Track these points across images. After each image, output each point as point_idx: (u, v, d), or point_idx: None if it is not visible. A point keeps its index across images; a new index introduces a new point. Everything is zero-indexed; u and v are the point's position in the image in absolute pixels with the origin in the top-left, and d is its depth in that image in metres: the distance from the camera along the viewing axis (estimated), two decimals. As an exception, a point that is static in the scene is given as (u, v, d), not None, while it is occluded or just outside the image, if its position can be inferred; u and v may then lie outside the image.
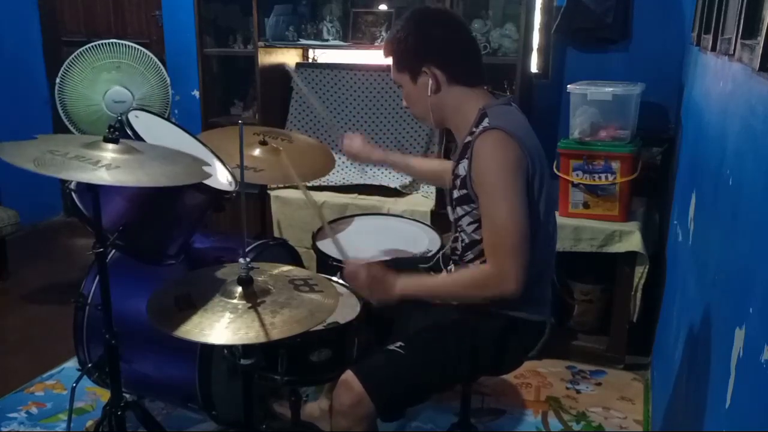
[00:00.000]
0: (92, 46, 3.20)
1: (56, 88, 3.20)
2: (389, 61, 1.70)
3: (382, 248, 2.15)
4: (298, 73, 3.48)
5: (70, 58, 3.20)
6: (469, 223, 1.67)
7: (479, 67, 1.70)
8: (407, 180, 3.15)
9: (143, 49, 3.30)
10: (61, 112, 3.25)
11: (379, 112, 3.31)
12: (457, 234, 1.75)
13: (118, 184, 1.40)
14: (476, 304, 1.66)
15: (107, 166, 1.42)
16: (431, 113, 1.69)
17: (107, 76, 3.21)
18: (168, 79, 3.36)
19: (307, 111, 3.45)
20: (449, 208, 1.78)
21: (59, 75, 3.20)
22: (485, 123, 1.59)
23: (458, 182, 1.67)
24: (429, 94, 1.65)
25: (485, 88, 1.70)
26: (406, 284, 1.64)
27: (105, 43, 3.21)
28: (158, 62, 3.32)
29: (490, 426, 2.34)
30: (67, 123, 3.26)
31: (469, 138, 1.62)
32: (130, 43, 3.28)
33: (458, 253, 1.76)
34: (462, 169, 1.64)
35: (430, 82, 1.64)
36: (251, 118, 3.52)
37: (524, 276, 1.54)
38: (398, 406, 1.63)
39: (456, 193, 1.69)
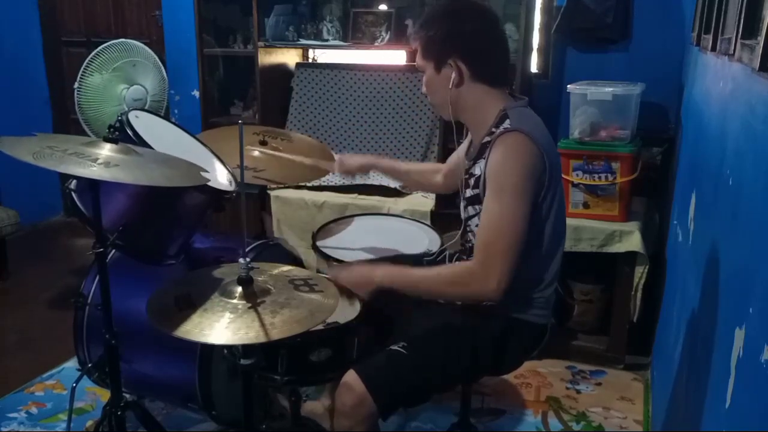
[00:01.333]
0: (107, 47, 3.11)
1: (75, 93, 3.08)
2: (416, 45, 1.67)
3: (382, 248, 2.15)
4: (298, 72, 3.48)
5: (87, 59, 3.09)
6: (478, 225, 1.67)
7: (505, 67, 1.70)
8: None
9: (145, 46, 3.28)
10: (80, 118, 3.11)
11: (379, 112, 3.31)
12: (466, 234, 1.75)
13: (115, 181, 1.40)
14: (478, 305, 1.66)
15: (105, 164, 1.42)
16: (449, 105, 1.67)
17: (122, 75, 3.16)
18: (165, 75, 3.33)
19: (307, 111, 3.45)
20: (461, 206, 1.77)
21: (78, 80, 3.08)
22: (506, 124, 1.58)
23: (472, 181, 1.66)
24: (450, 86, 1.63)
25: (506, 89, 1.69)
26: (387, 273, 1.64)
27: (117, 43, 3.14)
28: (157, 58, 3.31)
29: (490, 426, 2.34)
30: (86, 129, 3.12)
31: (488, 138, 1.61)
32: (137, 42, 3.25)
33: (466, 252, 1.76)
34: (478, 169, 1.63)
35: (454, 75, 1.62)
36: (251, 118, 3.52)
37: (507, 282, 1.52)
38: (400, 407, 1.63)
39: (469, 192, 1.69)
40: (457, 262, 1.69)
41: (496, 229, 1.54)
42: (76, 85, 3.08)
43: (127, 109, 3.03)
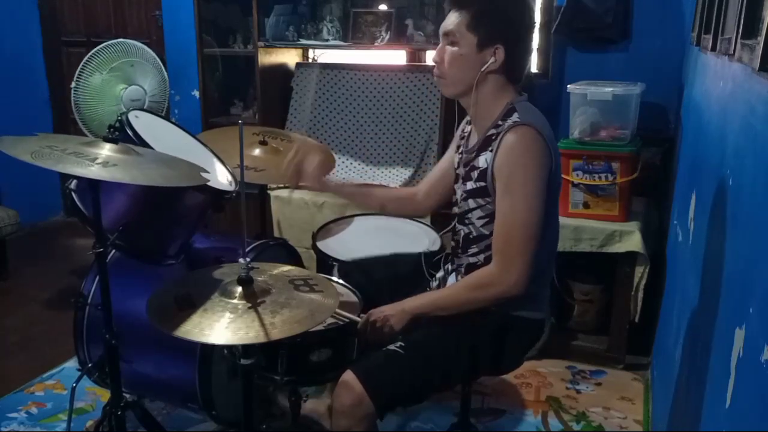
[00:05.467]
0: (105, 47, 3.12)
1: (72, 93, 3.09)
2: (462, 11, 1.59)
3: (382, 248, 2.15)
4: (298, 72, 3.48)
5: (85, 59, 3.10)
6: (480, 217, 1.66)
7: (526, 68, 1.70)
8: (407, 180, 3.15)
9: (145, 47, 3.28)
10: (77, 117, 3.12)
11: (379, 112, 3.31)
12: (461, 228, 1.74)
13: (112, 180, 1.40)
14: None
15: (104, 163, 1.42)
16: (468, 87, 1.63)
17: (121, 75, 3.17)
18: (166, 75, 3.33)
19: (307, 111, 3.45)
20: (458, 198, 1.75)
21: (75, 79, 3.09)
22: (515, 118, 1.58)
23: (475, 174, 1.65)
24: (483, 69, 1.60)
25: (516, 87, 1.69)
26: (413, 305, 1.64)
27: (115, 43, 3.15)
28: (159, 60, 3.31)
29: (490, 426, 2.34)
30: (83, 128, 3.13)
31: (493, 131, 1.61)
32: (136, 42, 3.25)
33: (460, 246, 1.76)
34: (483, 162, 1.62)
35: (492, 60, 1.59)
36: (251, 118, 3.53)
37: (528, 276, 1.54)
38: (398, 406, 1.63)
39: (470, 185, 1.67)
40: (476, 270, 1.68)
41: (512, 226, 1.54)
42: (73, 84, 3.09)
43: (124, 109, 3.06)
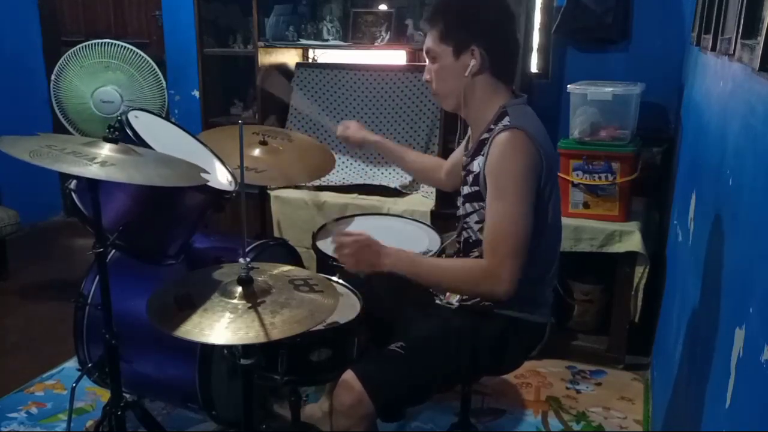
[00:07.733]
0: (85, 46, 3.25)
1: (51, 84, 3.29)
2: (433, 28, 1.63)
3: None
4: (298, 72, 3.48)
5: (65, 56, 3.26)
6: (477, 222, 1.66)
7: (515, 64, 1.70)
8: (407, 180, 3.15)
9: (137, 50, 3.31)
10: (56, 109, 3.32)
11: (379, 112, 3.31)
12: (463, 231, 1.74)
13: (109, 179, 1.40)
14: (477, 305, 1.66)
15: (102, 163, 1.42)
16: (459, 94, 1.64)
17: (99, 76, 3.27)
18: (164, 82, 3.36)
19: (308, 111, 3.45)
20: (459, 203, 1.76)
21: (54, 72, 3.28)
22: (505, 121, 1.58)
23: (470, 179, 1.65)
24: (467, 74, 1.61)
25: (510, 87, 1.68)
26: (398, 257, 1.59)
27: (98, 43, 3.25)
28: (153, 64, 3.33)
29: (490, 426, 2.34)
30: (62, 120, 3.33)
31: (486, 135, 1.61)
32: (125, 44, 3.29)
33: (462, 250, 1.75)
34: (476, 166, 1.62)
35: (473, 62, 1.60)
36: (251, 118, 3.52)
37: (518, 279, 1.53)
38: (398, 407, 1.63)
39: (466, 190, 1.68)
40: (468, 258, 1.67)
41: (502, 230, 1.53)
42: (52, 77, 3.26)
43: (93, 108, 3.27)
